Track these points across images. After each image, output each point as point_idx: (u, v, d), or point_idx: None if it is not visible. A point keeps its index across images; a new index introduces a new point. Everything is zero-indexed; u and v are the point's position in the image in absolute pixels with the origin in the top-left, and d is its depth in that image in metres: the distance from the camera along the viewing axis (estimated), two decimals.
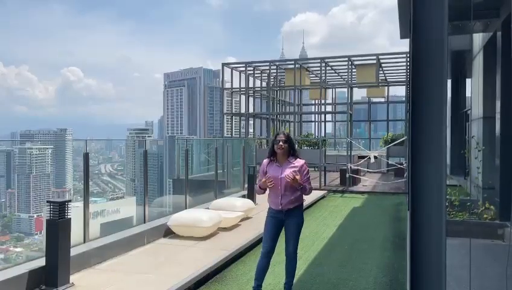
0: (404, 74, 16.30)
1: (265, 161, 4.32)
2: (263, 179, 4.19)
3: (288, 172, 4.12)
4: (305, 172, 4.21)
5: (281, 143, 4.17)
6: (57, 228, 4.52)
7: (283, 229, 4.28)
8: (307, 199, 10.75)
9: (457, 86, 14.57)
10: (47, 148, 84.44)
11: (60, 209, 4.56)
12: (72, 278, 4.71)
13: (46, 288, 4.48)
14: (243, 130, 17.41)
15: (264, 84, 18.28)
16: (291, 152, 4.25)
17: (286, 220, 4.21)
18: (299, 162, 4.25)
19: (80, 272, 5.05)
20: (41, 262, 4.64)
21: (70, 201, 4.69)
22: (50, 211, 4.57)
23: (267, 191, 4.28)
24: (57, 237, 4.51)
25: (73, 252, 4.91)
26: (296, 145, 15.45)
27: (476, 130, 9.67)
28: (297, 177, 4.06)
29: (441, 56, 2.13)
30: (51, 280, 4.49)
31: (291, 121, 19.12)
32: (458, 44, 11.16)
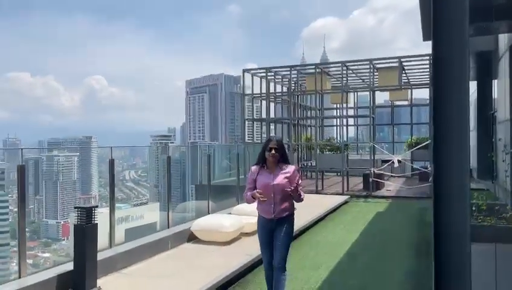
0: (428, 76, 16.05)
1: (254, 167, 4.12)
2: (257, 191, 3.93)
3: (280, 179, 3.96)
4: (296, 178, 4.03)
5: (273, 151, 3.97)
6: (84, 233, 4.64)
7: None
8: (330, 204, 10.71)
9: (483, 87, 14.23)
10: (73, 155, 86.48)
11: (87, 214, 4.68)
12: (99, 282, 4.82)
13: None
14: (264, 136, 17.43)
15: (284, 89, 18.29)
16: (282, 158, 4.05)
17: (277, 229, 4.01)
18: (290, 168, 4.06)
19: (107, 276, 5.16)
20: (69, 266, 4.76)
21: (97, 207, 4.80)
22: (78, 216, 4.70)
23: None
24: (84, 242, 4.62)
25: (100, 256, 5.02)
26: (318, 150, 15.38)
27: (503, 132, 9.42)
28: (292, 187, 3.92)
29: (462, 57, 2.11)
30: (78, 284, 4.60)
31: (313, 126, 19.05)
32: (483, 45, 10.92)
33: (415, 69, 16.04)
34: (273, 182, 3.97)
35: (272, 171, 4.03)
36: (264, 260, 4.15)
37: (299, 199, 4.05)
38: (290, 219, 4.08)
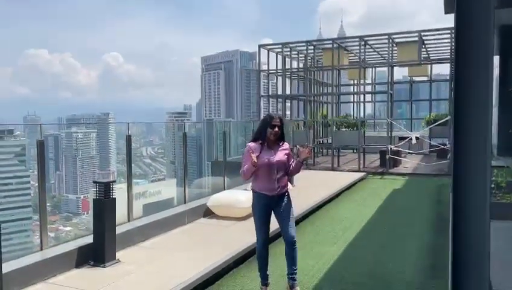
0: (449, 51, 15.62)
1: (253, 144, 4.02)
2: (253, 159, 3.85)
3: (281, 155, 4.02)
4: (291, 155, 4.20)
5: (277, 129, 3.97)
6: (103, 207, 4.73)
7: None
8: (346, 181, 10.69)
9: (507, 62, 13.80)
10: (91, 132, 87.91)
11: (105, 189, 4.76)
12: (118, 254, 4.94)
13: (94, 263, 4.73)
14: (279, 112, 17.32)
15: (301, 65, 18.05)
16: (281, 135, 4.07)
17: (278, 205, 4.04)
18: (286, 145, 4.15)
19: (125, 249, 5.28)
20: (89, 239, 4.89)
21: (114, 181, 4.88)
22: (96, 191, 4.79)
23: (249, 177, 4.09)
24: (103, 216, 4.73)
25: (119, 230, 5.13)
26: (334, 127, 15.25)
27: None
28: (306, 152, 3.99)
29: (487, 30, 2.03)
30: (98, 256, 4.73)
31: (329, 102, 18.85)
32: (508, 18, 10.51)
33: (435, 43, 15.60)
34: (275, 159, 3.98)
35: (271, 148, 4.03)
36: (259, 238, 4.12)
37: (297, 172, 4.16)
38: (288, 192, 4.16)
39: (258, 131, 4.08)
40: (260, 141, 4.03)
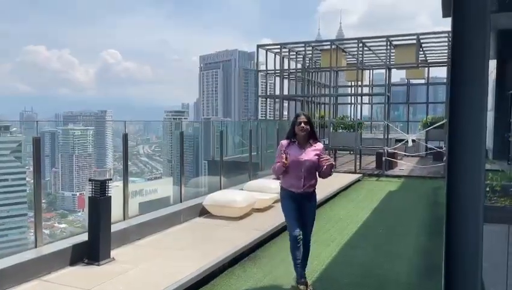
0: (446, 54, 15.68)
1: (285, 142, 4.16)
2: (283, 160, 3.98)
3: (311, 155, 4.07)
4: (324, 155, 4.17)
5: (302, 125, 4.07)
6: (99, 205, 4.72)
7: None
8: (342, 182, 10.70)
9: (504, 66, 13.85)
10: (88, 129, 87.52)
11: (101, 187, 4.75)
12: (113, 253, 4.93)
13: (88, 261, 4.72)
14: (277, 113, 17.34)
15: (299, 65, 18.06)
16: (312, 134, 4.16)
17: (304, 204, 4.15)
18: (319, 145, 4.19)
19: (120, 247, 5.27)
20: (84, 237, 4.87)
21: (110, 179, 4.87)
22: (92, 188, 4.78)
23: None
24: (99, 214, 4.72)
25: (114, 228, 5.12)
26: (331, 128, 15.25)
27: None
28: (326, 161, 4.07)
29: (483, 34, 2.04)
30: (93, 254, 4.72)
31: (327, 104, 18.86)
32: (506, 22, 10.57)
33: (433, 46, 15.66)
34: (304, 158, 4.05)
35: (302, 147, 4.11)
36: (293, 232, 4.09)
37: (331, 173, 4.13)
38: (315, 194, 4.25)
39: (289, 131, 4.23)
40: (291, 140, 4.14)
